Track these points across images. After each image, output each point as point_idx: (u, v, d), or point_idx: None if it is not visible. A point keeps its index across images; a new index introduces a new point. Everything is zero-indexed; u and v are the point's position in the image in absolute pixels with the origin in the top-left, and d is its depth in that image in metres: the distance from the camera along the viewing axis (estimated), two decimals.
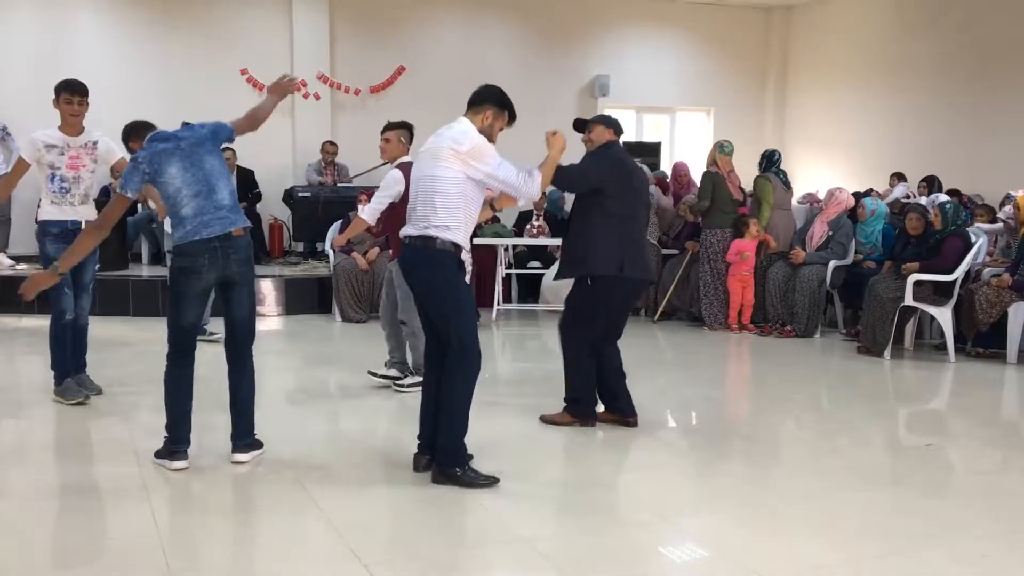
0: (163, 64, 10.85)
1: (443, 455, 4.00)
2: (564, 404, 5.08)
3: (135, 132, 5.17)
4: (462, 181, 3.94)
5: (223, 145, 4.42)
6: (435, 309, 4.02)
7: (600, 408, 5.11)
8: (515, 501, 3.89)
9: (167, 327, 4.22)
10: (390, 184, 5.66)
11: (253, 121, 4.48)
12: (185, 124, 4.32)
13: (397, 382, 5.91)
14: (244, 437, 4.35)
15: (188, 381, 4.23)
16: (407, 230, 4.03)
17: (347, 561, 3.22)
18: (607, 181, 4.80)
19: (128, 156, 5.05)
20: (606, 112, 12.96)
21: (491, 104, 4.13)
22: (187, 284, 4.11)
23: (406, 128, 5.90)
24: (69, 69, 10.28)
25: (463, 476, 3.97)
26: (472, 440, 4.08)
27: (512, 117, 4.20)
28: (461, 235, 3.99)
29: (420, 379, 5.78)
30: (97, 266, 5.71)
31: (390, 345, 6.01)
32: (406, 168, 5.52)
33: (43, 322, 5.59)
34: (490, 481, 3.98)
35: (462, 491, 3.93)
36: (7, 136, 9.49)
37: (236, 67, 11.03)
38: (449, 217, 3.94)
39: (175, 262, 4.17)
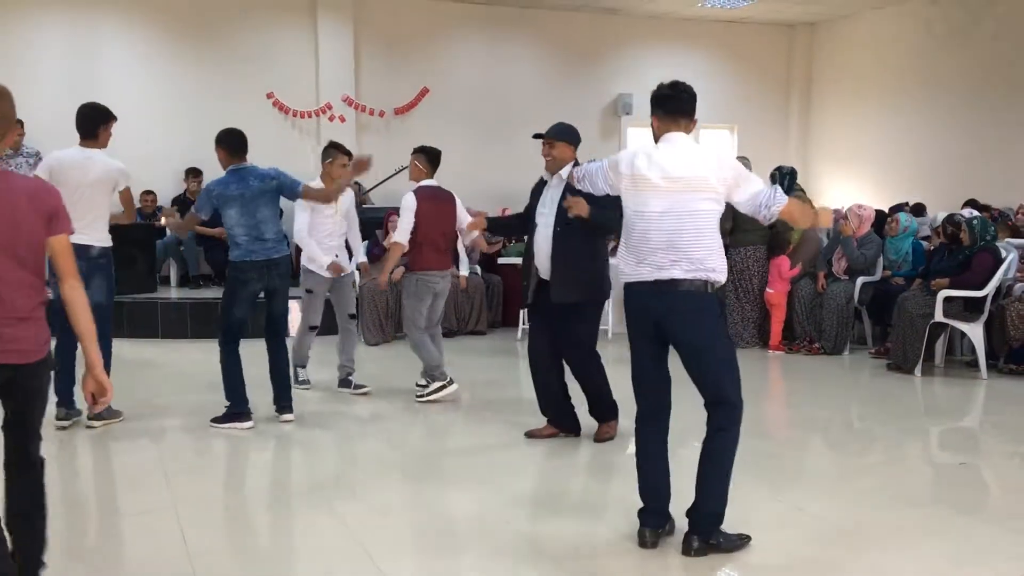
0: (191, 88, 10.97)
1: (711, 520, 3.49)
2: (598, 419, 5.17)
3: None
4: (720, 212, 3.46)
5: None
6: (707, 363, 3.46)
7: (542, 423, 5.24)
8: (551, 519, 3.87)
9: (221, 327, 5.44)
10: (408, 208, 6.04)
11: (325, 198, 5.80)
12: (249, 168, 5.37)
13: (417, 394, 6.25)
14: (285, 399, 5.59)
15: (238, 360, 5.41)
16: (665, 272, 3.41)
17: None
18: None
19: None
20: (628, 132, 13.05)
21: (694, 111, 3.56)
22: (238, 290, 5.40)
23: (423, 153, 6.23)
24: (99, 95, 10.47)
25: (724, 543, 3.51)
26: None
27: None
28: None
29: (439, 385, 6.11)
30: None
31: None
32: (420, 192, 6.07)
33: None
34: (744, 541, 3.58)
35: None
36: (40, 162, 9.58)
37: (262, 90, 11.15)
38: (720, 256, 3.46)
39: (231, 273, 5.43)
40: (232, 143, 5.38)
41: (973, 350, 7.28)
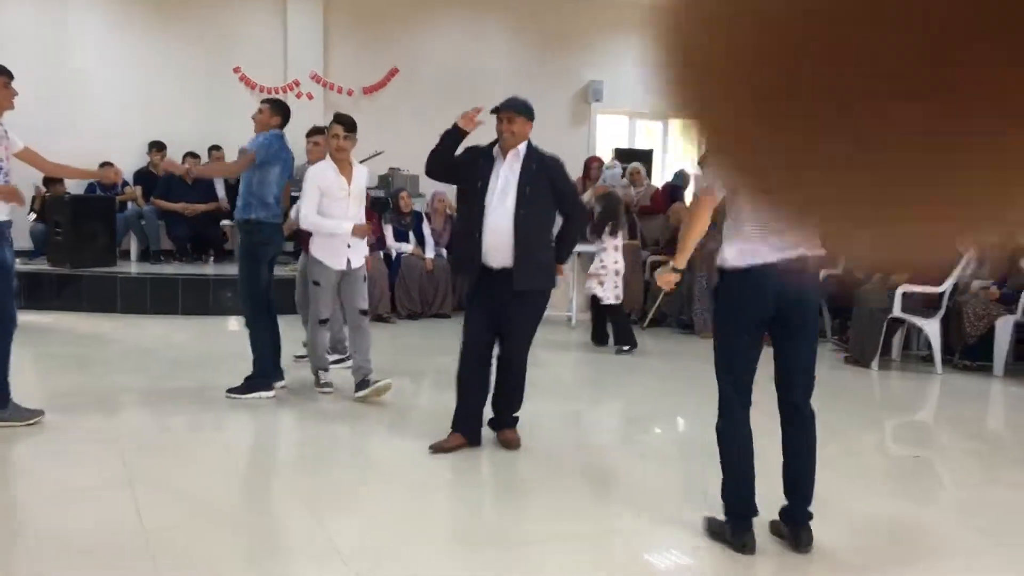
0: (158, 63, 10.80)
1: (808, 511, 3.47)
2: (500, 424, 4.77)
3: None
4: None
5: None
6: (811, 345, 3.41)
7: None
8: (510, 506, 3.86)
9: (247, 294, 5.45)
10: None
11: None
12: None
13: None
14: (277, 368, 5.62)
15: (274, 331, 5.50)
16: (793, 251, 3.25)
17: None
18: None
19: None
20: (598, 119, 13.03)
21: None
22: (266, 249, 5.43)
23: (322, 135, 5.95)
24: (66, 65, 10.32)
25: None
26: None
27: None
28: None
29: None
30: None
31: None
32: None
33: (34, 318, 5.47)
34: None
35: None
36: (5, 138, 9.36)
37: (229, 65, 11.00)
38: None
39: (255, 237, 5.39)
40: (288, 115, 5.57)
41: (929, 345, 7.41)
